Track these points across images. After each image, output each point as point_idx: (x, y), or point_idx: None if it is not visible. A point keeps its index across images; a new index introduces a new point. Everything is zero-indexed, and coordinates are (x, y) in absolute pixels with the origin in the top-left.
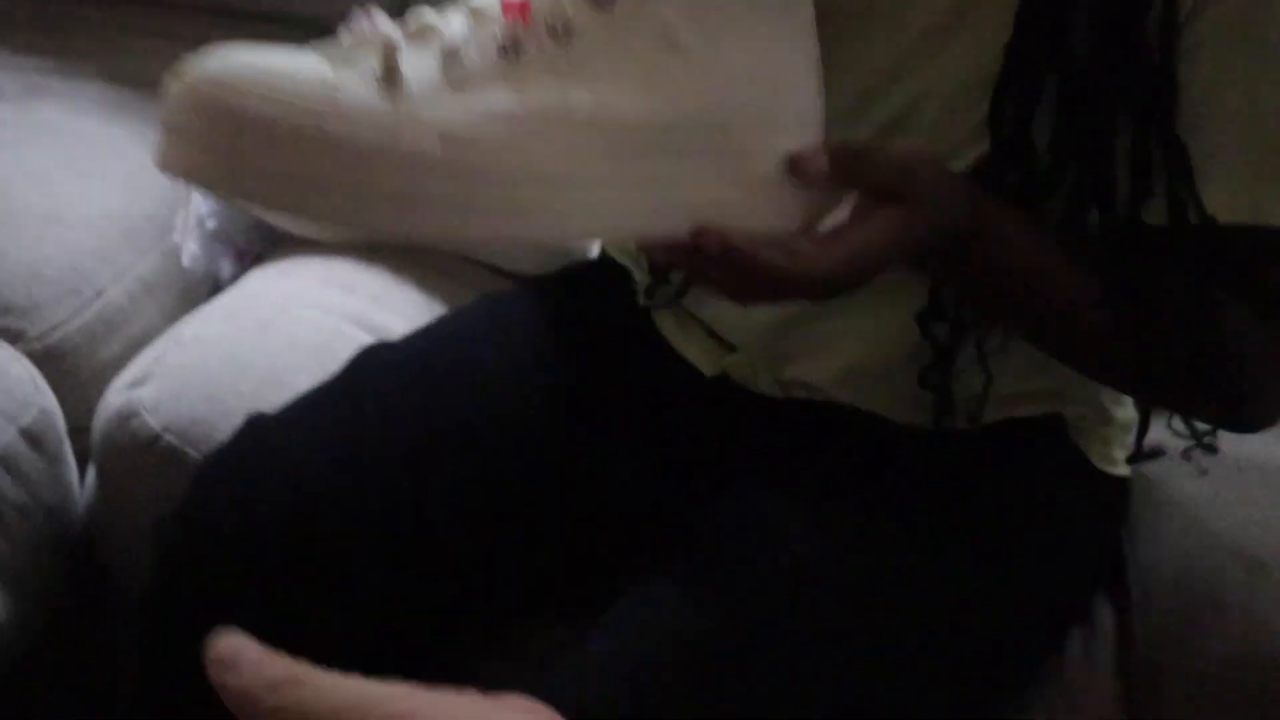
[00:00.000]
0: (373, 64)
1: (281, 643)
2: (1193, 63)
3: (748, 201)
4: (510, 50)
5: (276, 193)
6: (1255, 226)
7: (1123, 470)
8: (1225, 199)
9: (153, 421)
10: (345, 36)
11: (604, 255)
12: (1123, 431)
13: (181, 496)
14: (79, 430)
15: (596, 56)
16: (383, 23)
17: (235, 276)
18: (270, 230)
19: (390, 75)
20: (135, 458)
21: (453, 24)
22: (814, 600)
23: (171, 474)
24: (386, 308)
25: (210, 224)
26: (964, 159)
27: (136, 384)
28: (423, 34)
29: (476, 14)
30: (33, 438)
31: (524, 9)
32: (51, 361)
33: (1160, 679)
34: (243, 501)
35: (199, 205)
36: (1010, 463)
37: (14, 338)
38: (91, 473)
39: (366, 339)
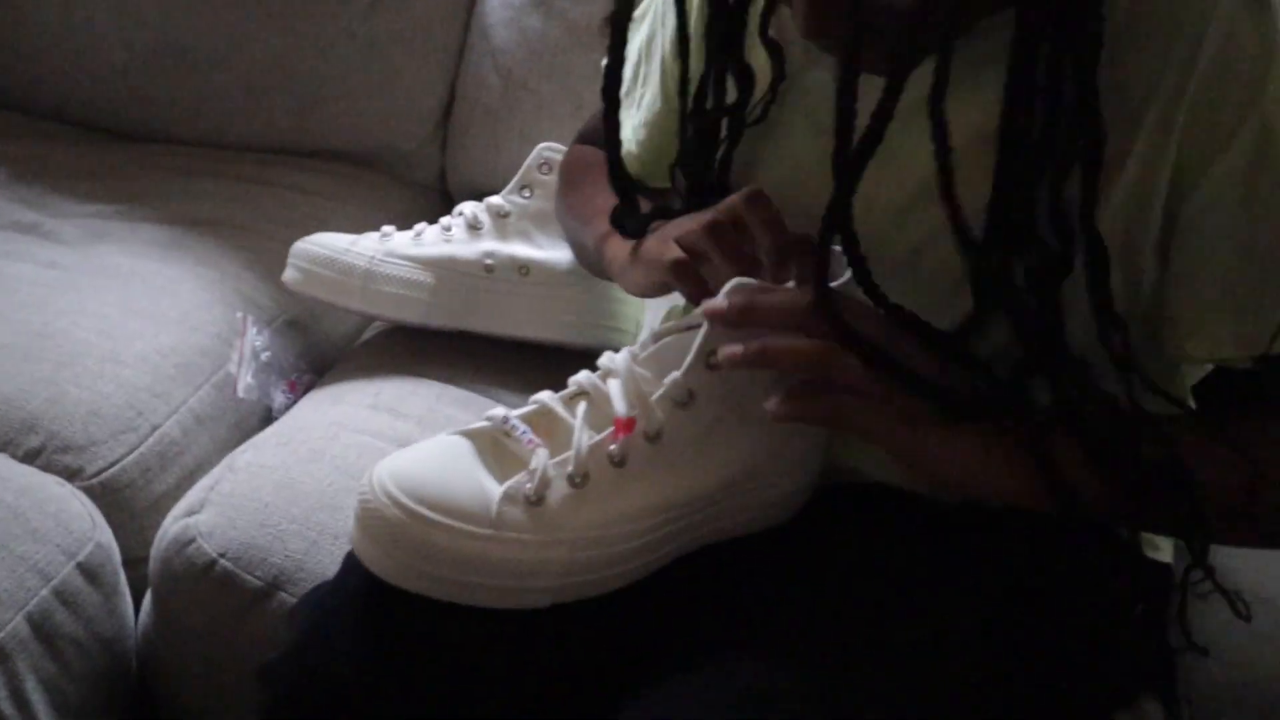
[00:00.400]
0: (526, 482)
1: None
2: (1199, 221)
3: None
4: (619, 461)
5: (443, 590)
6: None
7: (1165, 556)
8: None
9: (208, 547)
10: (502, 431)
11: None
12: None
13: (289, 639)
14: (134, 561)
15: (677, 448)
16: (540, 453)
17: (286, 405)
18: (318, 360)
19: (539, 499)
20: (191, 583)
21: (579, 434)
22: (847, 679)
23: (227, 598)
24: (432, 428)
25: (264, 356)
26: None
27: (192, 511)
28: (545, 424)
29: (593, 409)
30: (89, 572)
31: (630, 425)
32: (108, 496)
33: None
34: (357, 642)
35: (254, 339)
36: (1048, 541)
37: (72, 475)
38: (147, 601)
39: None
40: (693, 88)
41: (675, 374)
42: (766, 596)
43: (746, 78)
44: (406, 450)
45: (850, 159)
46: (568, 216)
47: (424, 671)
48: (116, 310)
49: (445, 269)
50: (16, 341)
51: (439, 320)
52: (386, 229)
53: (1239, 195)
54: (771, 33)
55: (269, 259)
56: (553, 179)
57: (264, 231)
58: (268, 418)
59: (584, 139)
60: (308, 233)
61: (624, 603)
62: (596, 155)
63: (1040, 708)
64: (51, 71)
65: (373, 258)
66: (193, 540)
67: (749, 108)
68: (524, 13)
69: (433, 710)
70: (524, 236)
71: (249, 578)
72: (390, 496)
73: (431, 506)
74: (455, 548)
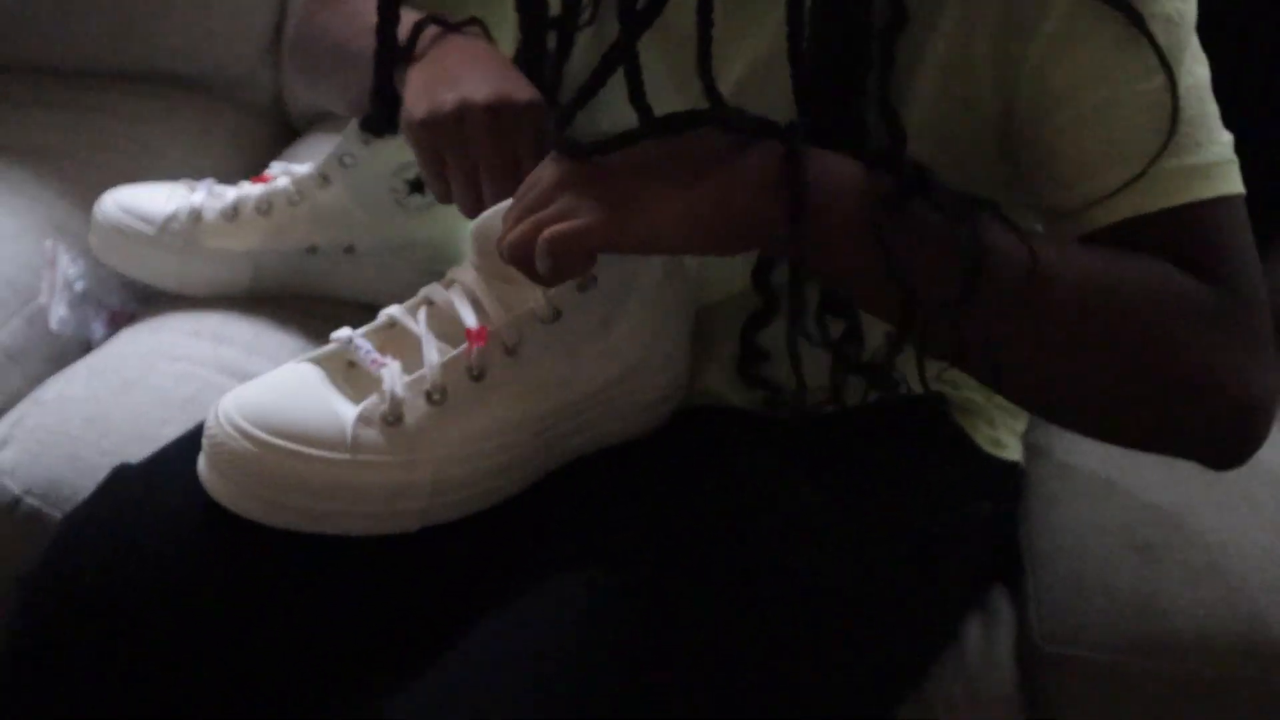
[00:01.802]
0: (380, 404)
1: (147, 694)
2: (1043, 78)
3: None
4: (477, 375)
5: (306, 522)
6: (1179, 207)
7: (1012, 455)
8: (1139, 189)
9: (12, 484)
10: (349, 352)
11: None
12: (1009, 415)
13: (43, 551)
14: None
15: (542, 358)
16: (388, 371)
17: (107, 338)
18: (144, 289)
19: (395, 419)
20: None
21: (428, 349)
22: (695, 596)
23: (35, 537)
24: (261, 355)
25: (79, 285)
26: None
27: None
28: (397, 339)
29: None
30: None
31: (482, 334)
32: None
33: (1057, 668)
34: (107, 553)
35: (66, 267)
36: (895, 444)
37: None
38: None
39: None
40: None
41: (538, 295)
42: (621, 513)
43: None
44: (252, 382)
45: (634, 20)
46: (321, 39)
47: (178, 577)
48: None
49: (264, 256)
50: None
51: (264, 295)
52: (196, 188)
53: (1070, 57)
54: None
55: (84, 187)
56: (372, 147)
57: (81, 158)
58: (88, 351)
59: None
60: (132, 160)
61: (473, 526)
62: None
63: (893, 608)
64: None
65: (185, 246)
66: None
67: (580, 14)
68: None
69: (188, 622)
70: (346, 212)
71: (56, 515)
72: (238, 429)
73: (283, 435)
74: (313, 475)
